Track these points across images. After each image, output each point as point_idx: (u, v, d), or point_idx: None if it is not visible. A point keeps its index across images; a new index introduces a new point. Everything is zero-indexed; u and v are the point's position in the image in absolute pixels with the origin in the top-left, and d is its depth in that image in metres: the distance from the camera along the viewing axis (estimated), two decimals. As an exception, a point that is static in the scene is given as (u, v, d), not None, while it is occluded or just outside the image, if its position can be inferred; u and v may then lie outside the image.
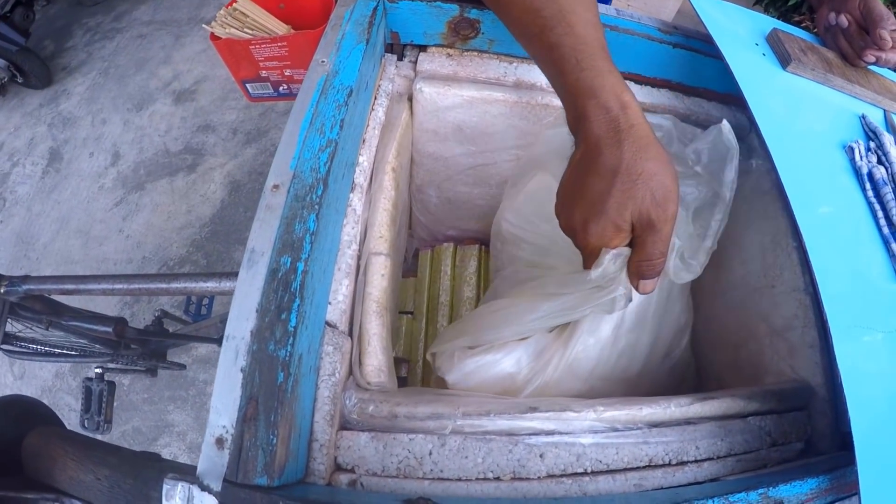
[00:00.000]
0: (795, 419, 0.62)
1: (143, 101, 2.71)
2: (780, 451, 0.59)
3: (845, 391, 0.51)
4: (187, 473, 0.36)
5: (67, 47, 3.03)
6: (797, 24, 2.65)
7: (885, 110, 0.82)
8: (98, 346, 1.22)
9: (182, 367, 1.56)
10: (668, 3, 3.01)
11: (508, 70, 0.77)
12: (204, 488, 0.35)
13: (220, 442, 0.37)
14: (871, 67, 0.85)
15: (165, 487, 0.35)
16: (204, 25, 0.85)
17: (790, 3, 2.63)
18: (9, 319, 0.97)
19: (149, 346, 1.36)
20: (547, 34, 0.53)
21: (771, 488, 0.49)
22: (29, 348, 1.14)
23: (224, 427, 0.37)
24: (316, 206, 0.47)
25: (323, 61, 0.59)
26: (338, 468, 0.47)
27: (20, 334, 1.10)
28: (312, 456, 0.45)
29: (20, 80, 2.72)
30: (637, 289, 0.53)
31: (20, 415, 0.44)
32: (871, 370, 0.55)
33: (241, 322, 0.41)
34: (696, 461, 0.55)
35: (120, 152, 2.51)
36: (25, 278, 0.92)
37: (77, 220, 2.29)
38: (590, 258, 0.53)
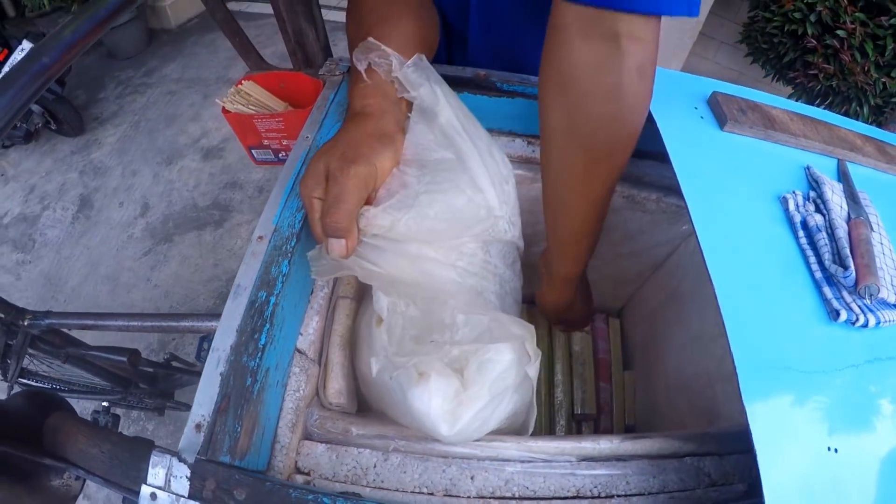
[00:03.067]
0: (738, 461, 0.64)
1: (173, 156, 2.83)
2: (718, 491, 0.61)
3: (749, 425, 0.53)
4: (171, 451, 0.45)
5: (99, 98, 3.15)
6: (792, 80, 2.73)
7: (837, 159, 0.83)
8: (110, 383, 1.29)
9: (188, 407, 1.62)
10: (672, 64, 3.15)
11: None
12: (181, 460, 0.44)
13: (198, 427, 0.46)
14: (825, 117, 0.88)
15: (153, 459, 0.44)
16: (217, 101, 0.99)
17: (784, 61, 2.71)
18: (27, 354, 1.02)
19: (157, 385, 1.44)
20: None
21: None
22: (44, 384, 1.21)
23: (202, 416, 0.46)
24: (289, 254, 0.58)
25: (307, 137, 0.70)
26: (297, 471, 0.55)
27: (35, 369, 1.16)
28: (274, 454, 0.54)
29: (53, 126, 2.81)
30: (326, 250, 0.56)
31: (43, 402, 0.54)
32: (787, 408, 0.57)
33: (224, 338, 0.51)
34: (625, 495, 0.58)
35: (149, 204, 2.61)
36: (48, 313, 0.98)
37: (106, 266, 2.37)
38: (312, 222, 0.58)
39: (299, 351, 0.60)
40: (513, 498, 0.56)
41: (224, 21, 0.99)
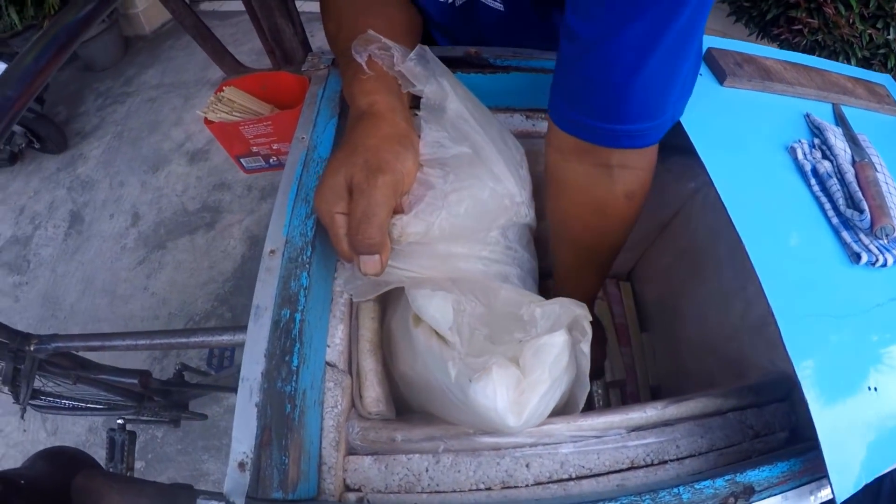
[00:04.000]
0: (777, 410, 0.65)
1: (159, 163, 2.82)
2: (763, 441, 0.62)
3: (799, 377, 0.54)
4: (216, 496, 0.43)
5: (80, 112, 3.14)
6: (777, 36, 2.71)
7: (832, 104, 0.85)
8: (123, 398, 1.28)
9: (204, 417, 1.63)
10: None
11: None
12: (230, 504, 0.42)
13: (241, 466, 0.44)
14: (815, 63, 0.89)
15: (199, 506, 0.42)
16: (198, 112, 0.95)
17: (767, 18, 2.68)
18: (37, 375, 1.01)
19: (171, 398, 1.43)
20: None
21: (738, 474, 0.53)
22: (57, 403, 1.20)
23: (244, 453, 0.44)
24: (307, 265, 0.55)
25: (302, 137, 0.67)
26: (347, 489, 0.54)
27: (47, 389, 1.15)
28: (322, 477, 0.51)
29: (37, 145, 2.81)
30: (360, 269, 0.55)
31: (66, 462, 0.51)
32: (828, 354, 0.58)
33: (252, 365, 0.48)
34: (677, 459, 0.59)
35: (139, 213, 2.61)
36: (53, 337, 0.97)
37: (102, 279, 2.37)
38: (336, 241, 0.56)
39: (329, 364, 0.58)
40: (570, 479, 0.56)
41: (194, 27, 0.96)
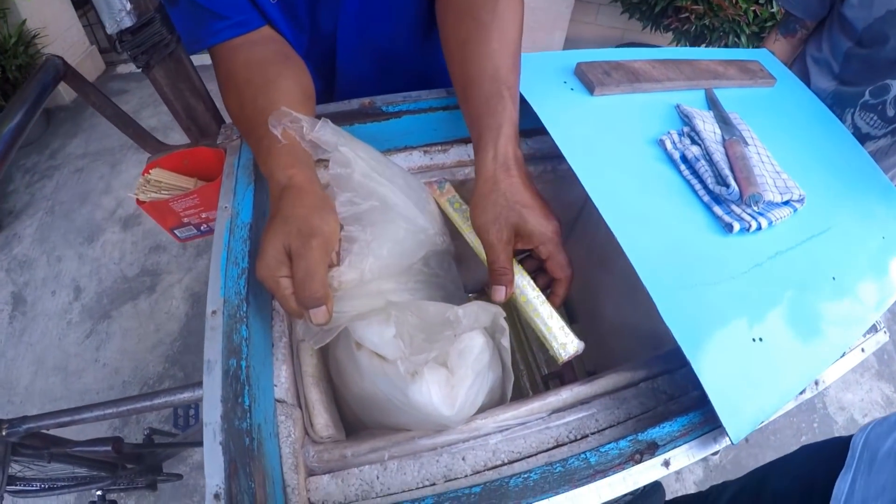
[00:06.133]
0: (688, 372, 0.71)
1: (93, 233, 2.79)
2: (677, 402, 0.70)
3: (678, 340, 0.62)
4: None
5: (9, 191, 3.06)
6: (668, 26, 2.85)
7: (704, 90, 0.92)
8: (97, 470, 1.29)
9: (179, 476, 1.65)
10: (556, 35, 3.25)
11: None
12: (212, 532, 0.49)
13: (217, 496, 0.50)
14: (687, 55, 0.96)
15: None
16: (129, 194, 1.01)
17: (656, 10, 2.82)
18: (11, 460, 1.01)
19: (145, 462, 1.45)
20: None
21: (640, 433, 0.61)
22: (33, 486, 1.20)
23: (217, 485, 0.50)
24: (245, 319, 0.62)
25: (226, 207, 0.74)
26: (312, 506, 0.61)
27: (19, 474, 1.15)
28: (288, 498, 0.59)
29: None
30: (310, 321, 0.62)
31: None
32: (708, 318, 0.65)
33: (212, 411, 0.55)
34: (597, 431, 0.67)
35: (80, 286, 2.58)
36: (24, 419, 0.98)
37: (52, 358, 2.34)
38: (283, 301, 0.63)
39: (279, 401, 0.65)
40: (503, 464, 0.64)
41: (114, 115, 1.01)
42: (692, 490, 1.94)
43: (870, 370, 2.37)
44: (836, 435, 2.14)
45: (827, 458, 0.81)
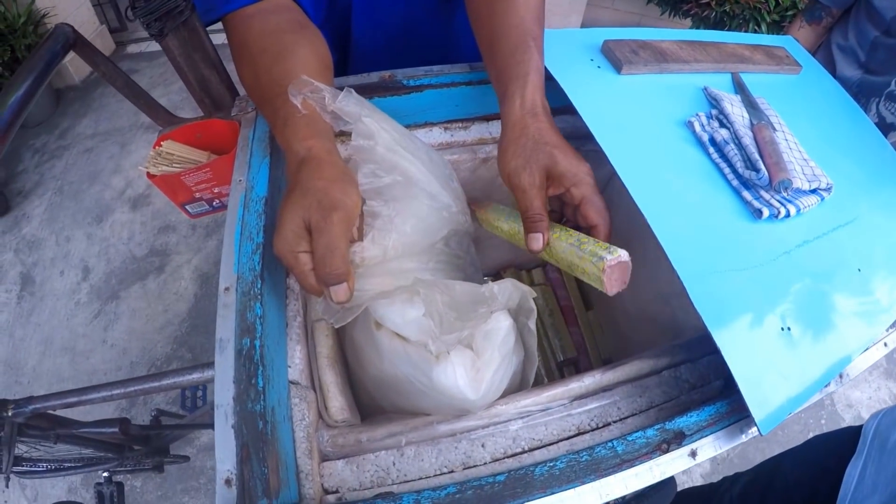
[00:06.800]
0: (710, 362, 0.71)
1: (102, 213, 2.79)
2: (700, 392, 0.68)
3: (708, 327, 0.60)
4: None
5: (19, 171, 3.07)
6: (687, 12, 2.82)
7: (731, 74, 0.90)
8: (104, 452, 1.29)
9: (186, 458, 1.64)
10: (572, 18, 3.22)
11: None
12: (221, 519, 0.47)
13: (228, 482, 0.48)
14: (712, 37, 0.93)
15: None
16: (140, 167, 0.99)
17: None
18: (17, 441, 1.00)
19: (152, 444, 1.43)
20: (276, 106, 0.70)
21: (668, 422, 0.59)
22: (39, 466, 1.20)
23: (228, 470, 0.48)
24: (259, 296, 0.60)
25: (240, 180, 0.71)
26: (325, 492, 0.59)
27: (26, 455, 1.15)
28: (302, 484, 0.57)
29: None
30: (331, 298, 0.59)
31: None
32: (738, 304, 0.63)
33: (224, 392, 0.53)
34: (619, 419, 0.65)
35: (89, 266, 2.58)
36: (30, 399, 0.97)
37: (61, 338, 2.34)
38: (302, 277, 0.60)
39: (293, 382, 0.63)
40: (523, 452, 0.62)
41: (125, 86, 0.98)
42: (699, 482, 1.93)
43: (878, 368, 2.34)
44: (844, 432, 2.14)
45: (838, 446, 0.81)
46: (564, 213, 0.70)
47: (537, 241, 0.65)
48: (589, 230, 0.67)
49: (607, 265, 0.58)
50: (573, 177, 0.65)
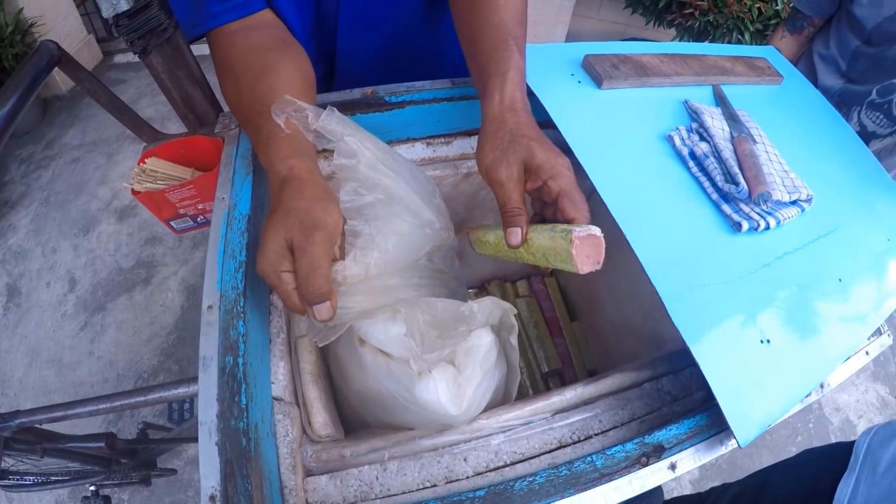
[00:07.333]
0: (692, 373, 0.71)
1: (89, 224, 2.76)
2: (682, 403, 0.69)
3: (686, 340, 0.61)
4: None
5: (5, 182, 3.03)
6: (671, 22, 2.83)
7: (712, 86, 0.90)
8: (91, 465, 1.27)
9: (174, 471, 1.64)
10: (557, 29, 3.24)
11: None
12: (208, 535, 0.47)
13: (212, 498, 0.48)
14: (695, 50, 0.94)
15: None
16: (124, 184, 0.99)
17: (660, 6, 2.80)
18: (4, 455, 1.00)
19: (139, 457, 1.42)
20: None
21: (647, 436, 0.60)
22: (26, 480, 1.18)
23: (213, 487, 0.49)
24: (242, 314, 0.60)
25: (223, 198, 0.72)
26: (310, 507, 0.59)
27: (13, 468, 1.13)
28: (285, 499, 0.57)
29: None
30: (314, 317, 0.59)
31: None
32: (716, 318, 0.64)
33: (207, 410, 0.53)
34: (601, 432, 0.66)
35: (75, 277, 2.55)
36: (16, 413, 0.96)
37: (47, 350, 2.31)
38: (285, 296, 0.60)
39: (276, 399, 0.63)
40: (505, 465, 0.62)
41: (109, 102, 0.99)
42: (688, 488, 1.93)
43: (865, 371, 2.36)
44: (831, 435, 2.15)
45: (830, 462, 0.81)
46: (545, 214, 0.69)
47: (516, 236, 0.64)
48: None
49: (575, 236, 0.56)
50: (550, 168, 0.64)
